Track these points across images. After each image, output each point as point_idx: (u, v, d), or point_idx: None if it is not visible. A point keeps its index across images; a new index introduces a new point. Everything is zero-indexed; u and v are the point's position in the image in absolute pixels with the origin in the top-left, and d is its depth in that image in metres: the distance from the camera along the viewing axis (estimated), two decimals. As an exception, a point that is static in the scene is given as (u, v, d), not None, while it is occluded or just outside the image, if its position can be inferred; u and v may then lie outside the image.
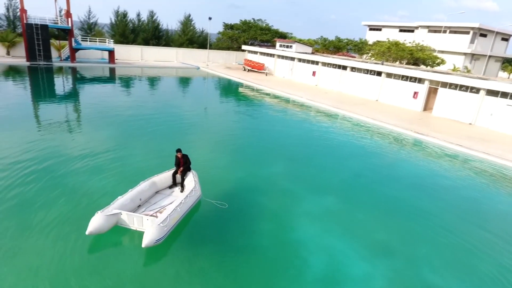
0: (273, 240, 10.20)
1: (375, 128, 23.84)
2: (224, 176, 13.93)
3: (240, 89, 38.29)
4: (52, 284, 7.63)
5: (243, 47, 56.90)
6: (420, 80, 30.25)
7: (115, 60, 44.14)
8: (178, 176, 11.58)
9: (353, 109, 28.12)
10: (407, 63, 44.47)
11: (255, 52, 53.79)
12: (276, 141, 19.48)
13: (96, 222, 8.86)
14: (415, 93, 30.65)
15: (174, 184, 11.62)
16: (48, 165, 13.38)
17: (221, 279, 8.42)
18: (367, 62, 37.06)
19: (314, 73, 42.02)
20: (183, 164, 11.39)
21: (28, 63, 36.92)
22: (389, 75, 32.93)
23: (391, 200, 13.24)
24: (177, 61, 54.33)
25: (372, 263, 9.50)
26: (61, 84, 33.28)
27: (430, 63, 44.12)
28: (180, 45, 58.60)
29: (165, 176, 11.62)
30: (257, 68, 49.33)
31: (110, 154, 15.00)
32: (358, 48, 61.85)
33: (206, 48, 57.94)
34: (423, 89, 30.06)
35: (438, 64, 44.51)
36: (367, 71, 35.09)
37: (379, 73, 33.79)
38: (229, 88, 39.50)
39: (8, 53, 40.51)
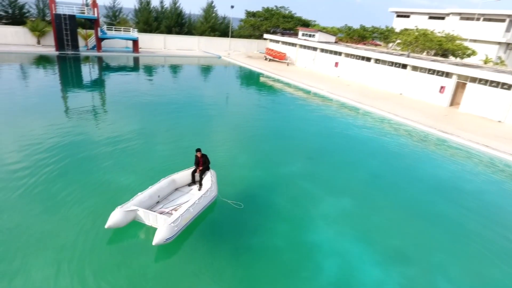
0: (288, 241, 10.47)
1: (396, 125, 23.34)
2: (241, 174, 14.23)
3: (261, 80, 38.22)
4: (72, 274, 8.25)
5: (265, 35, 56.28)
6: (447, 74, 29.07)
7: (139, 49, 44.93)
8: (197, 175, 11.97)
9: (375, 104, 27.54)
10: (435, 54, 42.65)
11: (277, 41, 53.11)
12: (295, 137, 19.53)
13: (115, 217, 9.47)
14: (442, 87, 29.53)
15: (193, 182, 12.04)
16: (73, 153, 14.16)
17: (238, 279, 8.82)
18: (392, 54, 35.88)
19: (336, 64, 41.17)
20: (202, 164, 11.76)
21: (57, 53, 38.28)
22: (415, 68, 31.81)
23: (409, 204, 13.13)
24: (199, 50, 54.58)
25: (386, 270, 9.62)
26: (88, 73, 34.45)
27: (460, 54, 42.08)
28: (202, 32, 58.65)
29: (185, 174, 12.05)
30: (279, 58, 48.82)
31: (133, 144, 15.64)
32: (384, 36, 59.70)
33: (227, 36, 57.74)
34: (450, 83, 28.91)
35: (469, 55, 42.38)
36: (392, 64, 34.01)
37: (404, 66, 32.69)
38: (249, 79, 39.50)
39: (38, 42, 42.08)
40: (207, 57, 50.05)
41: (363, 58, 37.39)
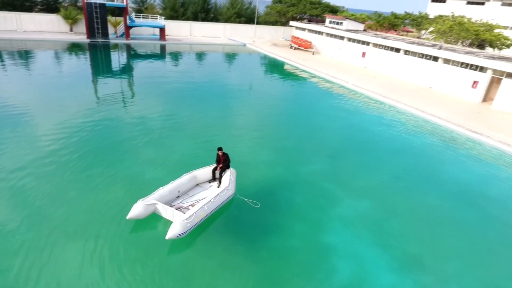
0: (304, 241, 10.78)
1: (423, 122, 22.70)
2: (262, 171, 14.56)
3: (284, 70, 37.94)
4: (95, 262, 9.02)
5: (291, 23, 55.28)
6: (482, 69, 27.63)
7: (166, 37, 45.59)
8: (217, 172, 12.43)
9: (402, 99, 26.78)
10: (470, 44, 40.41)
11: (303, 29, 52.07)
12: (317, 133, 19.53)
13: (137, 209, 10.24)
14: (475, 82, 28.16)
15: (213, 179, 12.52)
16: (100, 140, 15.06)
17: (256, 276, 9.26)
18: (423, 45, 34.38)
19: (363, 54, 40.02)
20: (222, 162, 12.17)
21: (88, 40, 39.64)
22: (446, 61, 30.41)
23: (430, 209, 13.00)
24: (224, 37, 54.57)
25: (400, 276, 9.76)
26: (117, 60, 35.63)
27: (498, 45, 39.62)
28: (228, 18, 58.38)
29: (206, 171, 12.54)
30: (304, 46, 47.98)
31: (158, 135, 16.31)
32: (417, 23, 57.00)
33: (253, 22, 57.19)
34: (484, 78, 27.49)
35: (508, 46, 39.82)
36: (422, 55, 32.66)
37: (435, 58, 31.31)
38: (273, 68, 39.28)
39: (71, 30, 43.63)
40: (232, 45, 50.02)
41: (391, 48, 36.10)
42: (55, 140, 15.43)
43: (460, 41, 41.03)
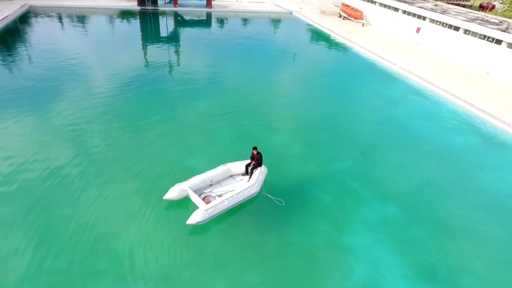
0: (326, 241, 11.84)
1: (470, 118, 21.55)
2: (293, 166, 15.43)
3: (328, 45, 36.61)
4: (134, 235, 10.88)
5: (343, -12, 51.79)
6: (552, 58, 24.90)
7: (212, 3, 45.47)
8: (250, 168, 13.55)
9: (452, 87, 25.31)
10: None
11: (355, -4, 48.79)
12: (352, 126, 19.57)
13: (172, 192, 12.12)
14: (541, 72, 25.57)
15: (246, 173, 13.72)
16: (147, 116, 16.76)
17: (280, 269, 10.64)
18: (486, 25, 31.15)
19: (418, 30, 37.22)
20: (256, 160, 13.23)
21: (139, 8, 40.99)
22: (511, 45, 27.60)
23: (455, 220, 13.21)
24: (270, 3, 52.98)
25: (412, 284, 10.59)
26: (165, 25, 37.12)
27: None
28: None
29: (240, 165, 13.77)
30: (354, 17, 45.36)
31: (199, 124, 17.65)
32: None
33: (302, -13, 54.47)
34: (553, 69, 24.86)
35: None
36: (484, 37, 29.80)
37: (498, 41, 28.51)
38: (316, 42, 37.96)
39: (123, -5, 45.06)
40: (278, 12, 48.67)
41: (450, 26, 33.18)
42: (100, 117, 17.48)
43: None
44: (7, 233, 10.82)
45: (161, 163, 14.68)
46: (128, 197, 12.68)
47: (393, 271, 10.98)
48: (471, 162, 17.11)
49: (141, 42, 29.54)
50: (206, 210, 11.40)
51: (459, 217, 13.37)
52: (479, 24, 31.15)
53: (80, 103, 18.90)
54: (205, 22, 40.61)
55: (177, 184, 12.35)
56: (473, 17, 34.72)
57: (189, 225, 11.29)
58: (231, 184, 13.42)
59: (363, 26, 43.89)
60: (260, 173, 13.11)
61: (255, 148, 13.16)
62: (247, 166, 13.60)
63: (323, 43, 37.51)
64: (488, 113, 21.59)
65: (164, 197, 12.09)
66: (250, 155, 13.60)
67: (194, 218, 11.22)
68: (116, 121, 17.42)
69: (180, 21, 39.64)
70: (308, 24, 43.91)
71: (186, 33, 34.31)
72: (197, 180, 12.73)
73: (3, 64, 23.56)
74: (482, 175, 16.09)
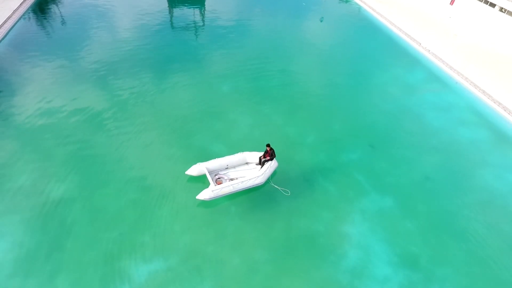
0: (327, 228, 13.92)
1: (484, 111, 21.64)
2: (304, 155, 17.03)
3: (351, 15, 35.44)
4: (162, 206, 13.34)
5: None
6: None
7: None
8: (263, 160, 15.37)
9: (478, 76, 24.84)
10: None
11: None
12: (365, 116, 20.17)
13: (193, 169, 14.70)
14: None
15: (259, 163, 15.59)
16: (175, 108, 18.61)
17: (287, 250, 12.91)
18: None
19: (452, 1, 35.41)
20: (269, 155, 14.98)
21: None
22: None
23: (445, 216, 14.82)
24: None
25: (395, 270, 12.73)
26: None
27: None
28: None
29: (255, 155, 15.63)
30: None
31: (220, 113, 19.22)
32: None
33: None
34: None
35: None
36: (520, 18, 28.43)
37: (534, 24, 27.26)
38: (338, 12, 36.68)
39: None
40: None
41: (486, 1, 31.49)
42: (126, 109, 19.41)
43: None
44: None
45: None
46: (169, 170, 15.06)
47: (381, 258, 13.09)
48: (474, 158, 17.98)
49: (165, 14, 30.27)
50: (213, 191, 13.62)
51: (449, 213, 14.98)
52: (517, 2, 29.48)
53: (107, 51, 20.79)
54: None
55: (199, 162, 14.68)
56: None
57: (198, 199, 13.80)
58: (245, 170, 15.44)
59: (394, -7, 41.64)
60: (269, 166, 14.89)
61: (268, 145, 14.86)
62: (261, 157, 15.43)
63: (346, 11, 36.27)
64: (504, 106, 21.80)
65: (185, 172, 14.66)
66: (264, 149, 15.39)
67: (203, 195, 13.60)
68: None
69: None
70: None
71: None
72: (215, 162, 14.95)
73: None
74: (481, 172, 17.14)
